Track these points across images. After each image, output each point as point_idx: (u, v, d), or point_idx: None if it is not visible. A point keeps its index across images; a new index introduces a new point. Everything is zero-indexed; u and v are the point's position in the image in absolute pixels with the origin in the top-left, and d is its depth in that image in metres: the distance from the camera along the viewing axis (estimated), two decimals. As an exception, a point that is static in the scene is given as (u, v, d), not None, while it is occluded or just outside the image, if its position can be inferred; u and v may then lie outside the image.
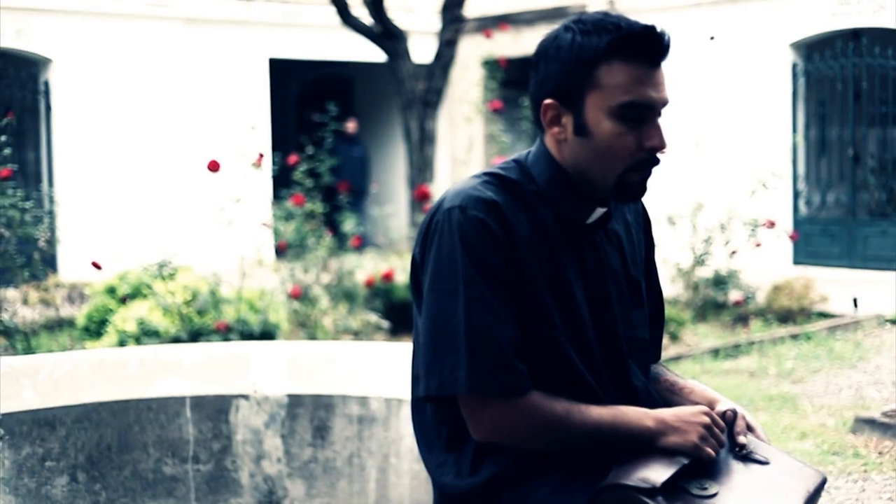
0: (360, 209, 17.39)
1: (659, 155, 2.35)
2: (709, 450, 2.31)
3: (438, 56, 12.27)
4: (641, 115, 2.31)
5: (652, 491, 2.19)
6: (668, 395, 2.58)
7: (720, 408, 2.47)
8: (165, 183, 15.37)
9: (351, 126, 18.15)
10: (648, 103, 2.31)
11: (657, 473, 2.23)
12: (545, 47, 2.38)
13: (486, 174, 2.42)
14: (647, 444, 2.31)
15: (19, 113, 13.76)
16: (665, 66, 2.37)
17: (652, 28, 2.31)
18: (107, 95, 15.29)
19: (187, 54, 16.05)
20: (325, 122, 9.79)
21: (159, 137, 15.61)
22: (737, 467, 2.35)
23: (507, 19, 16.74)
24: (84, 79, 15.19)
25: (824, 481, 2.42)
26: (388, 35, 12.21)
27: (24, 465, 3.95)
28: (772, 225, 11.20)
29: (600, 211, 2.43)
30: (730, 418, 2.44)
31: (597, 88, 2.31)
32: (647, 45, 2.30)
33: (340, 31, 12.86)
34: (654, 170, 2.38)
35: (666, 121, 2.39)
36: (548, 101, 2.37)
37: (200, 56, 16.14)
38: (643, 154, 2.33)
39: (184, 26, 16.04)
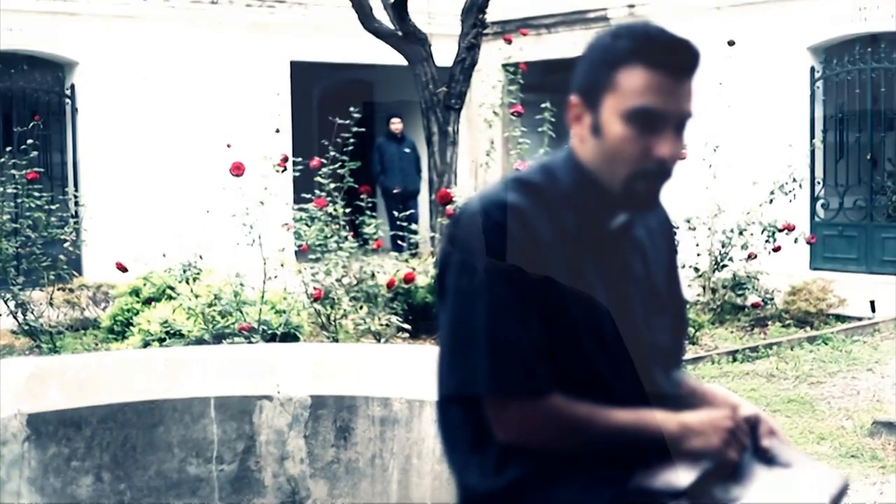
0: (413, 209, 16.89)
1: (672, 167, 2.33)
2: (732, 454, 2.32)
3: (460, 60, 12.26)
4: (654, 124, 2.30)
5: (676, 494, 2.22)
6: (689, 401, 2.59)
7: (743, 412, 2.47)
8: (189, 185, 15.40)
9: (396, 126, 18.19)
10: (662, 112, 2.30)
11: (681, 477, 2.25)
12: (585, 48, 2.41)
13: (510, 179, 2.44)
14: (671, 448, 2.32)
15: (45, 116, 13.86)
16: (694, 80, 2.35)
17: (681, 40, 2.31)
18: (132, 98, 15.35)
19: (210, 57, 16.10)
20: (347, 124, 9.80)
21: (183, 140, 15.66)
22: (760, 471, 2.36)
23: (528, 23, 16.73)
24: (110, 82, 15.25)
25: (847, 486, 2.43)
26: (410, 39, 12.20)
27: (50, 464, 4.00)
28: (790, 228, 11.20)
29: (623, 217, 2.46)
30: (753, 422, 2.45)
31: (614, 90, 2.31)
32: (671, 55, 2.30)
33: (362, 34, 12.87)
34: (667, 183, 2.36)
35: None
36: (573, 98, 2.39)
37: (223, 59, 16.19)
38: (651, 163, 2.31)
39: (207, 30, 16.10)
